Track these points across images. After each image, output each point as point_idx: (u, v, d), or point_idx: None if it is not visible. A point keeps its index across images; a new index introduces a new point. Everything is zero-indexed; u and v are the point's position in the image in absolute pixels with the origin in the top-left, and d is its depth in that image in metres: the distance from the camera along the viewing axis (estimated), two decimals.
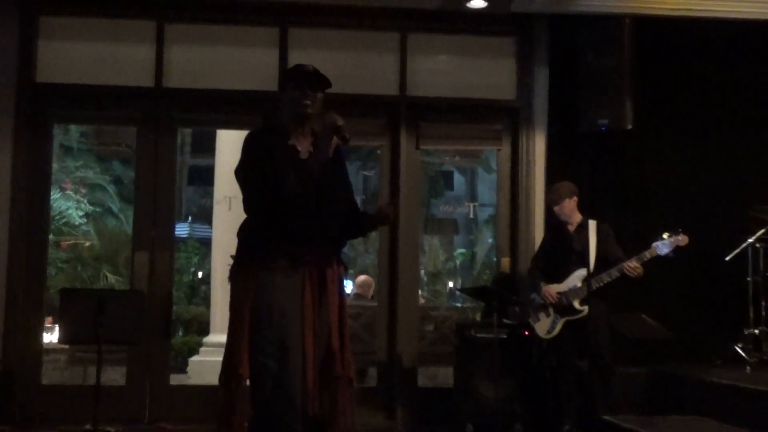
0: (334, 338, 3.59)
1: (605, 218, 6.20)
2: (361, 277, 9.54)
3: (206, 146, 12.52)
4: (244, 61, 7.03)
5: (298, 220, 3.55)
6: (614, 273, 5.82)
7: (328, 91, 3.72)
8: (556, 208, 6.17)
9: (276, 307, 3.49)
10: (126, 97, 6.93)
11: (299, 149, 3.62)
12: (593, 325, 5.75)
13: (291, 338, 3.47)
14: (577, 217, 6.13)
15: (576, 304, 5.93)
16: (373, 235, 10.39)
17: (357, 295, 9.16)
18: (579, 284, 5.91)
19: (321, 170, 3.57)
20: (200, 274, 15.76)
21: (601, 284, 5.82)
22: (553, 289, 6.00)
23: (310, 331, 3.50)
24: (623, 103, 6.66)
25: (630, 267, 5.77)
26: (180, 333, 12.25)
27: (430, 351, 8.54)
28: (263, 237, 3.57)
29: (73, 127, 14.18)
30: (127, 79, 6.89)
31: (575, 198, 6.12)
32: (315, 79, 3.66)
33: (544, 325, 6.06)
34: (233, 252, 3.75)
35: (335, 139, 3.67)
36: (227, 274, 3.76)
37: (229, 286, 3.68)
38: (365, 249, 14.76)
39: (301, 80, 3.64)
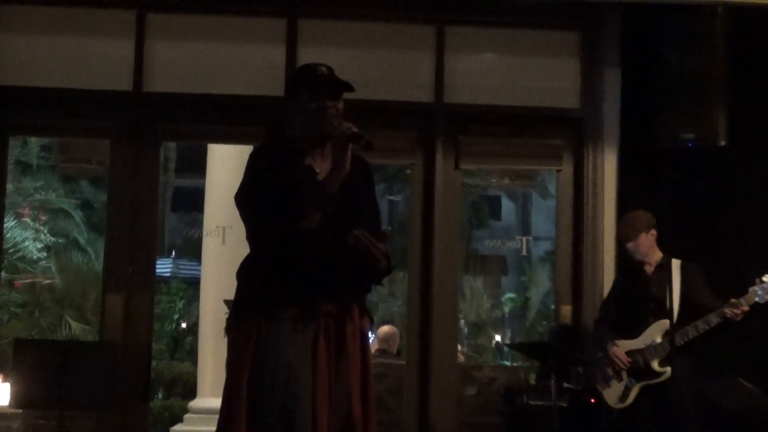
0: (355, 407, 3.56)
1: (692, 256, 6.15)
2: (384, 328, 9.51)
3: (195, 164, 12.59)
4: (243, 59, 7.08)
5: (313, 258, 3.52)
6: (701, 326, 5.76)
7: (347, 97, 3.71)
8: (629, 245, 6.13)
9: (282, 368, 3.48)
10: (98, 104, 6.98)
11: (317, 171, 3.61)
12: (677, 392, 5.68)
13: (300, 406, 3.45)
14: (656, 256, 6.09)
15: (655, 365, 5.87)
16: (401, 275, 10.37)
17: (380, 351, 9.13)
18: (659, 340, 5.86)
19: (342, 194, 3.54)
20: (185, 323, 15.80)
21: (687, 339, 5.77)
22: (622, 351, 5.94)
23: (324, 397, 3.48)
24: (714, 113, 6.63)
25: (733, 312, 5.70)
26: (160, 395, 12.27)
27: (472, 421, 8.48)
28: (269, 280, 3.56)
29: (32, 140, 14.33)
30: (100, 81, 6.95)
31: (653, 231, 6.08)
32: (335, 86, 3.66)
33: (615, 391, 6.01)
34: (227, 296, 3.75)
35: (350, 152, 3.62)
36: (219, 322, 3.76)
37: (223, 339, 3.68)
38: (390, 293, 14.71)
39: (318, 88, 3.63)
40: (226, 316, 3.71)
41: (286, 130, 3.74)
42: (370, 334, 3.79)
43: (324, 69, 3.68)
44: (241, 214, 3.67)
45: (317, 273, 3.54)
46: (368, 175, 3.82)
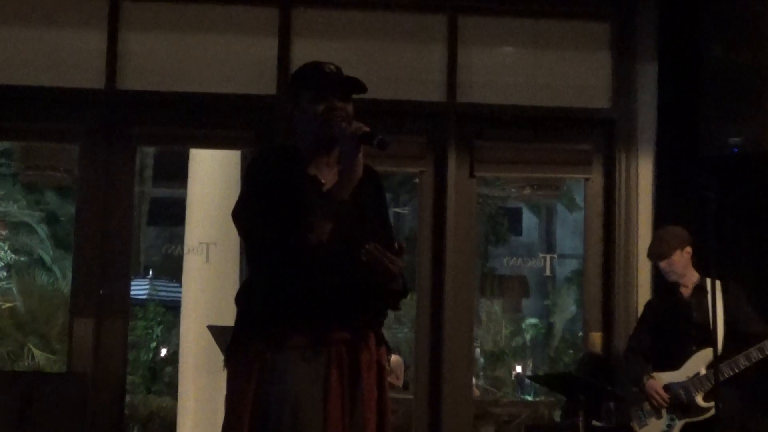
0: None
1: (736, 276, 6.15)
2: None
3: (175, 172, 12.61)
4: (230, 54, 7.09)
5: (322, 279, 3.52)
6: (754, 355, 5.76)
7: None
8: (662, 264, 6.13)
9: (289, 403, 3.47)
10: (65, 103, 6.99)
11: (323, 181, 3.61)
12: (724, 430, 5.67)
13: None
14: (693, 276, 6.10)
15: (700, 400, 5.87)
16: (408, 297, 10.34)
17: None
18: (704, 371, 5.86)
19: (351, 206, 3.53)
20: (164, 351, 15.81)
21: (738, 371, 5.77)
22: (660, 385, 5.94)
23: None
24: (764, 114, 6.63)
25: None
26: None
27: None
28: (273, 303, 3.55)
29: None
30: (68, 77, 6.96)
31: (688, 249, 6.08)
32: (346, 85, 3.65)
33: (654, 430, 6.01)
34: (212, 321, 3.75)
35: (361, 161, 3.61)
36: (202, 351, 3.77)
37: (207, 371, 3.67)
38: (396, 318, 14.68)
39: (325, 87, 3.64)
40: (215, 343, 3.70)
41: (285, 136, 3.74)
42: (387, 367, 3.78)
43: (332, 67, 3.68)
44: (240, 232, 3.67)
45: (328, 295, 3.53)
46: (378, 185, 3.82)
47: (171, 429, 10.15)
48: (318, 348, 3.52)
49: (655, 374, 6.01)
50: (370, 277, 3.50)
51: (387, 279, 3.52)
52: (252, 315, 3.62)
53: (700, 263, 6.03)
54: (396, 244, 3.55)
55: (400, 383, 9.18)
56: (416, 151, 7.24)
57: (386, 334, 3.77)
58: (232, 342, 3.65)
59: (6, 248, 15.04)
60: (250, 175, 3.68)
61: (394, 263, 3.50)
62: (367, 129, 3.49)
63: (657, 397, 5.94)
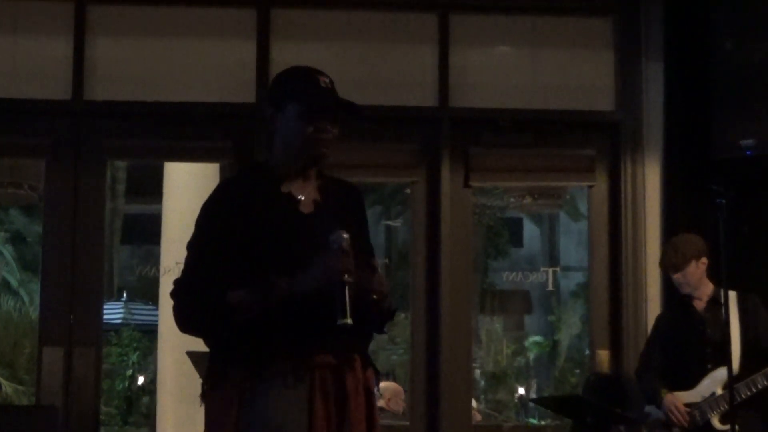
0: None
1: (752, 287, 6.15)
2: (385, 384, 9.48)
3: (149, 187, 12.61)
4: (205, 59, 7.09)
5: (303, 301, 3.52)
6: None
7: None
8: (676, 276, 6.12)
9: None
10: (29, 115, 6.99)
11: (299, 198, 3.62)
12: None
13: None
14: (707, 288, 6.08)
15: (716, 423, 5.87)
16: (402, 317, 10.33)
17: (380, 410, 9.10)
18: (719, 391, 5.86)
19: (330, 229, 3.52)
20: (141, 380, 15.78)
21: (756, 390, 5.76)
22: (679, 400, 5.94)
23: None
24: None
25: None
26: None
27: None
28: (251, 329, 3.55)
29: None
30: (32, 88, 6.95)
31: (704, 260, 6.07)
32: (341, 108, 3.61)
33: None
34: (191, 347, 3.73)
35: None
36: (181, 378, 3.76)
37: (192, 403, 3.66)
38: (390, 339, 14.61)
39: (318, 106, 3.59)
40: (195, 370, 3.69)
41: (262, 149, 3.72)
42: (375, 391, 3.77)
43: (327, 81, 3.62)
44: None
45: (310, 318, 3.52)
46: (359, 202, 3.83)
47: None
48: (300, 373, 3.51)
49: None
50: (360, 307, 3.49)
51: (377, 303, 3.53)
52: (228, 340, 3.62)
53: (714, 274, 6.03)
54: (371, 263, 3.56)
55: (401, 411, 9.13)
56: (407, 160, 7.25)
57: (379, 356, 3.76)
58: (207, 373, 3.65)
59: None
60: (205, 209, 3.66)
61: (381, 284, 3.52)
62: (348, 281, 3.40)
63: (676, 413, 5.91)
